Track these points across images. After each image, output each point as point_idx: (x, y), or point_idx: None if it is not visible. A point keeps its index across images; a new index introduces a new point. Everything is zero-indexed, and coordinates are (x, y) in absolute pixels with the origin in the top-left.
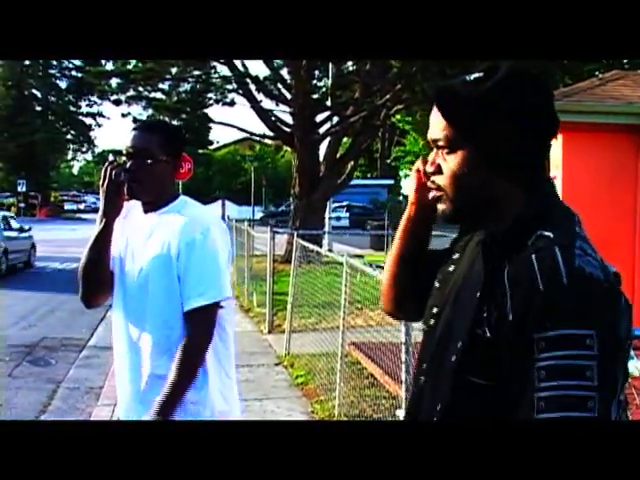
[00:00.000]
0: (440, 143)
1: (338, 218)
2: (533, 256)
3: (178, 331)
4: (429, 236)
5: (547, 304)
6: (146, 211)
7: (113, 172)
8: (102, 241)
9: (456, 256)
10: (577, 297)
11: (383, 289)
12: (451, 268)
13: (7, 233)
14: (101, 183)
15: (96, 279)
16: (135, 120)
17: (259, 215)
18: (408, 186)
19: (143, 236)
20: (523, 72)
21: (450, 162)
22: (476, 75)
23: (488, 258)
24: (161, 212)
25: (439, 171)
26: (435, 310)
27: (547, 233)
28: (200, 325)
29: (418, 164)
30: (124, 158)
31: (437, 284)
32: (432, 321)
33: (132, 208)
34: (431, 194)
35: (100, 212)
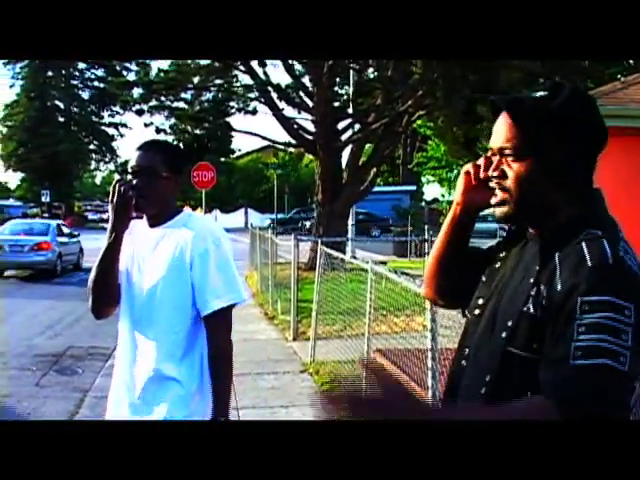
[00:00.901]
0: (507, 151)
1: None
2: (583, 243)
3: (183, 334)
4: (470, 234)
5: (594, 274)
6: (152, 225)
7: (121, 189)
8: (111, 254)
9: (502, 254)
10: (620, 276)
11: (426, 278)
12: (497, 265)
13: (60, 239)
14: (110, 199)
15: (106, 291)
16: (158, 130)
17: (266, 222)
18: (456, 187)
19: (149, 248)
20: (583, 92)
21: (515, 169)
22: (542, 93)
23: (544, 249)
24: (166, 225)
25: (503, 176)
26: (481, 301)
27: (595, 231)
28: (221, 326)
29: (468, 167)
30: (129, 176)
31: (484, 278)
32: (477, 311)
33: (137, 224)
34: (495, 198)
35: (109, 227)
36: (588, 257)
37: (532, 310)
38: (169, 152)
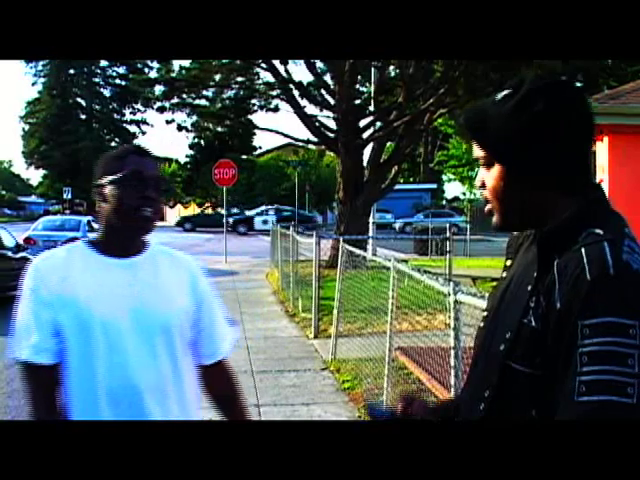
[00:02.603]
0: (480, 161)
1: (265, 222)
2: (582, 249)
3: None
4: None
5: (593, 292)
6: (125, 254)
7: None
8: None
9: (508, 263)
10: (622, 288)
11: None
12: (504, 274)
13: (90, 234)
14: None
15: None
16: (180, 127)
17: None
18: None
19: (140, 286)
20: (548, 83)
21: (489, 178)
22: (504, 92)
23: (542, 253)
24: (146, 253)
25: (483, 186)
26: (485, 313)
27: (597, 231)
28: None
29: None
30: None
31: (492, 289)
32: (482, 323)
33: (65, 264)
34: (486, 209)
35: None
36: (587, 268)
37: (533, 323)
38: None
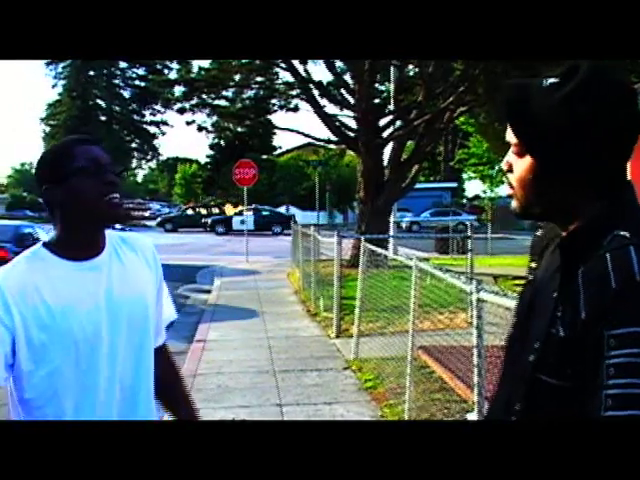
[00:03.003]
0: (512, 147)
1: (242, 222)
2: (607, 255)
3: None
4: None
5: (618, 302)
6: (90, 253)
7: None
8: None
9: (533, 265)
10: None
11: None
12: (530, 276)
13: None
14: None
15: None
16: (200, 128)
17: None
18: None
19: (108, 282)
20: (600, 80)
21: (518, 165)
22: (553, 80)
23: (565, 259)
24: (108, 247)
25: (510, 169)
26: (516, 316)
27: (623, 233)
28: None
29: None
30: (110, 178)
31: (520, 291)
32: (512, 330)
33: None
34: (506, 191)
35: None
36: (612, 275)
37: (561, 333)
38: None
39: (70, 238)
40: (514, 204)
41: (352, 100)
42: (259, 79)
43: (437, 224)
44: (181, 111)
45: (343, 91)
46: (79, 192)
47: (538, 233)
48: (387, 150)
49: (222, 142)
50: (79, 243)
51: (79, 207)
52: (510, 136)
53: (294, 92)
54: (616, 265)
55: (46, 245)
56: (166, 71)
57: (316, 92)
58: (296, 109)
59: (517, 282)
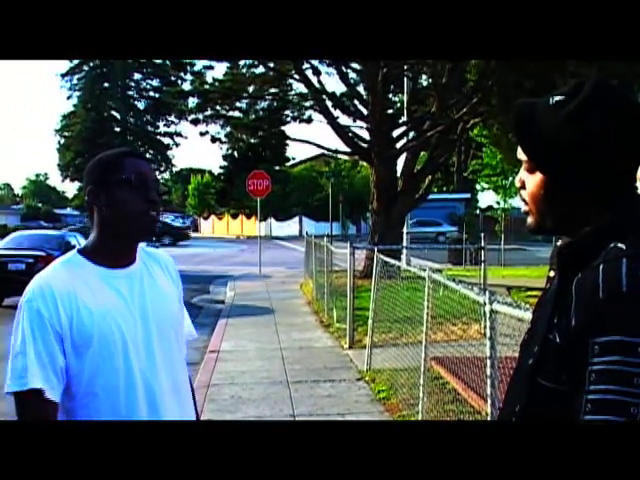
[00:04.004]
0: (523, 164)
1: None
2: (601, 266)
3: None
4: None
5: (604, 311)
6: (124, 262)
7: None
8: None
9: (552, 274)
10: (634, 306)
11: None
12: (548, 285)
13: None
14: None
15: None
16: (214, 139)
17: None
18: None
19: (139, 291)
20: (605, 96)
21: (530, 182)
22: (558, 98)
23: (563, 267)
24: (142, 255)
25: (523, 186)
26: (529, 325)
27: (620, 245)
28: None
29: None
30: (152, 194)
31: (538, 301)
32: (527, 333)
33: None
34: (522, 208)
35: None
36: (601, 286)
37: (557, 339)
38: None
39: (104, 246)
40: (529, 220)
41: (365, 111)
42: (273, 90)
43: (418, 233)
44: (195, 122)
45: (356, 102)
46: (120, 202)
47: (559, 243)
48: (400, 161)
49: (235, 153)
50: (113, 251)
51: (117, 216)
52: (519, 153)
53: (307, 103)
54: (606, 276)
55: (80, 252)
56: (180, 82)
57: (329, 103)
58: (309, 120)
59: (530, 293)
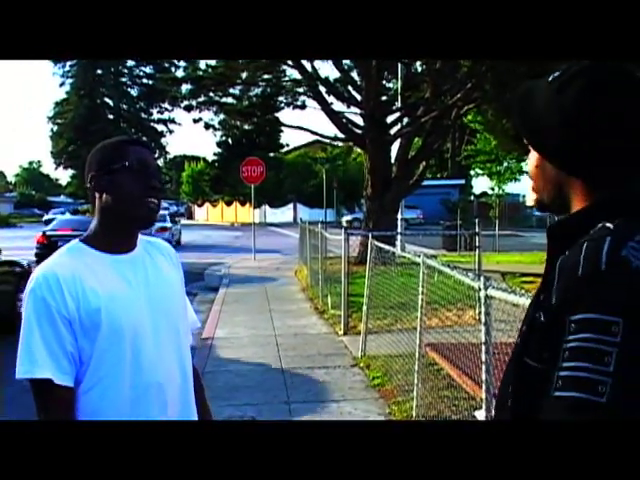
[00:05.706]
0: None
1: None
2: (585, 244)
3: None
4: None
5: (581, 289)
6: (126, 248)
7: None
8: None
9: None
10: (611, 284)
11: None
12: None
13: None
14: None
15: None
16: (207, 125)
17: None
18: None
19: (144, 276)
20: (595, 70)
21: (530, 158)
22: (556, 74)
23: (553, 246)
24: (140, 245)
25: (529, 164)
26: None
27: (608, 225)
28: None
29: None
30: (154, 182)
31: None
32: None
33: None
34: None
35: None
36: (581, 264)
37: (542, 318)
38: None
39: (106, 232)
40: (529, 196)
41: (359, 97)
42: (266, 77)
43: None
44: (188, 109)
45: (350, 88)
46: (122, 187)
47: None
48: (394, 147)
49: (229, 140)
50: (114, 237)
51: (118, 202)
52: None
53: (301, 89)
54: (587, 254)
55: (82, 240)
56: (173, 69)
57: (323, 89)
58: (303, 106)
59: (525, 279)
